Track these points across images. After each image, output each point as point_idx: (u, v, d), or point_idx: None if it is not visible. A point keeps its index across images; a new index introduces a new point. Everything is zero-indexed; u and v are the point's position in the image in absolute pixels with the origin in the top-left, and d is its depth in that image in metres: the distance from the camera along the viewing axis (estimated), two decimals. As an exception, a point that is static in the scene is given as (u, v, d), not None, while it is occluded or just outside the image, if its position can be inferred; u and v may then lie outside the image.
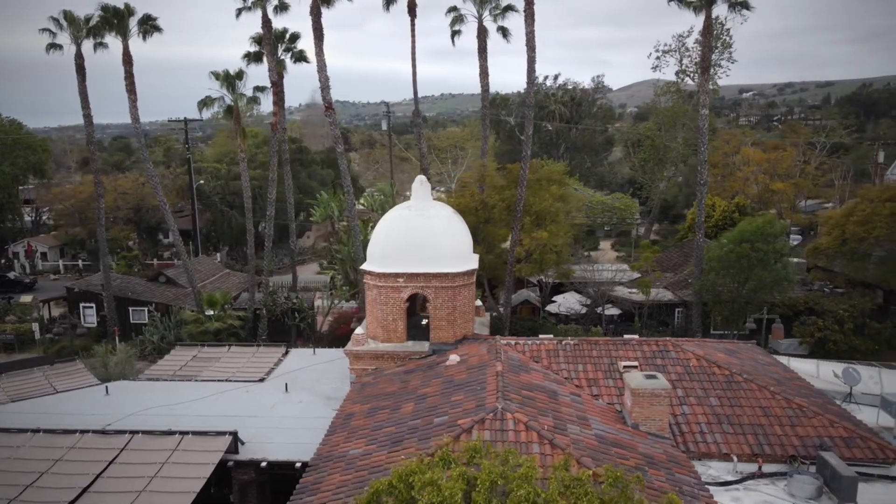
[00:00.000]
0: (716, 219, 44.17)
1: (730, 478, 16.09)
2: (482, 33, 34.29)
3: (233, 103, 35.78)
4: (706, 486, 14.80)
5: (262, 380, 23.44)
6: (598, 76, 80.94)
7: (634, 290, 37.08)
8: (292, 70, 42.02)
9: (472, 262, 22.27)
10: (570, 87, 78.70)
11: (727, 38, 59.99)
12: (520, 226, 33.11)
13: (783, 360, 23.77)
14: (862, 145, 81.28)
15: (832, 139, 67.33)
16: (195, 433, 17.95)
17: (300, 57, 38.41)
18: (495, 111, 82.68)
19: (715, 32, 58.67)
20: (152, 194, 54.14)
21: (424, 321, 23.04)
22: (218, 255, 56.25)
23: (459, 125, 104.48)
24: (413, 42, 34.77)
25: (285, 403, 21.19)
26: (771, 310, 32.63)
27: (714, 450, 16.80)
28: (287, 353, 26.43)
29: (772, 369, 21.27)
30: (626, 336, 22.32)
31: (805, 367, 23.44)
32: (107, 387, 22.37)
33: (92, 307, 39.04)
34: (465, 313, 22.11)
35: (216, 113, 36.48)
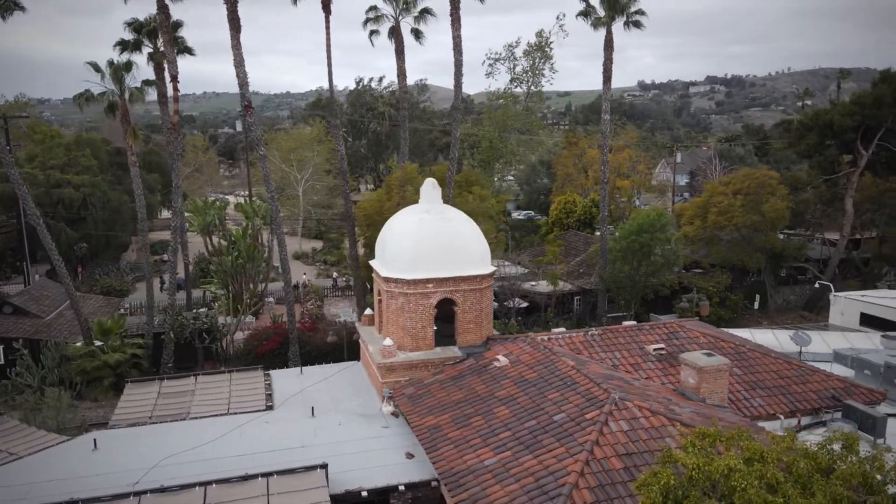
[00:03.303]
0: (578, 214, 48.80)
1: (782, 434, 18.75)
2: (398, 35, 34.11)
3: (118, 98, 30.91)
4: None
5: (270, 407, 21.14)
6: (421, 80, 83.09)
7: (534, 283, 39.70)
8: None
9: (490, 264, 22.51)
10: (394, 89, 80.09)
11: (548, 50, 66.12)
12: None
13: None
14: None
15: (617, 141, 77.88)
16: (279, 473, 15.92)
17: (184, 48, 34.42)
18: (321, 111, 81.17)
19: (540, 44, 64.78)
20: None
21: (433, 327, 22.67)
22: (37, 275, 47.46)
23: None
24: (328, 38, 33.22)
25: (326, 429, 19.48)
26: (659, 291, 37.28)
27: (762, 412, 19.40)
28: (267, 375, 23.99)
29: (737, 338, 24.80)
30: (624, 323, 24.28)
31: (742, 335, 27.54)
32: (95, 439, 18.46)
33: (-80, 351, 30.89)
34: (489, 315, 22.33)
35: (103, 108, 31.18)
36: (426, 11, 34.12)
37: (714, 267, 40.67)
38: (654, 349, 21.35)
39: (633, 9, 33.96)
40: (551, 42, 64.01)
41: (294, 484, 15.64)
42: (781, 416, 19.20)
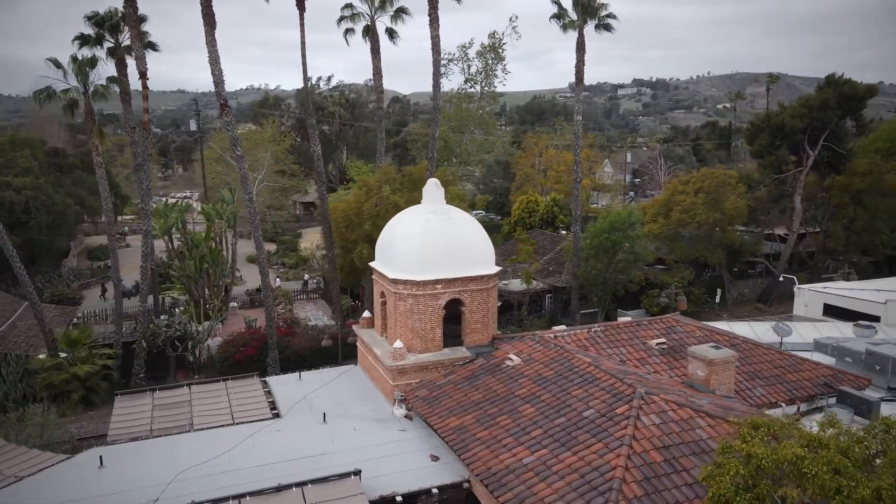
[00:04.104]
0: (540, 213, 49.50)
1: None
2: (374, 33, 33.75)
3: (81, 96, 29.26)
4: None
5: (276, 415, 20.51)
6: (368, 80, 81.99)
7: (506, 282, 40.03)
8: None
9: (494, 264, 22.56)
10: (344, 89, 79.23)
11: (501, 51, 66.75)
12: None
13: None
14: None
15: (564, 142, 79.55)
16: (313, 482, 15.48)
17: (147, 44, 32.92)
18: (268, 110, 79.27)
19: (493, 44, 65.36)
20: None
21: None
22: (-29, 286, 44.27)
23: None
24: (302, 36, 32.48)
25: (341, 435, 19.02)
26: (628, 286, 38.27)
27: (764, 400, 20.21)
28: (265, 382, 23.24)
29: (727, 332, 25.74)
30: (620, 319, 24.80)
31: (721, 327, 28.62)
32: (101, 456, 17.40)
33: None
34: (494, 314, 22.38)
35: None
36: (402, 10, 33.90)
37: (677, 263, 42.06)
38: (657, 344, 21.92)
39: (604, 12, 34.75)
40: (504, 43, 64.74)
41: (330, 493, 15.24)
42: (783, 404, 20.07)
